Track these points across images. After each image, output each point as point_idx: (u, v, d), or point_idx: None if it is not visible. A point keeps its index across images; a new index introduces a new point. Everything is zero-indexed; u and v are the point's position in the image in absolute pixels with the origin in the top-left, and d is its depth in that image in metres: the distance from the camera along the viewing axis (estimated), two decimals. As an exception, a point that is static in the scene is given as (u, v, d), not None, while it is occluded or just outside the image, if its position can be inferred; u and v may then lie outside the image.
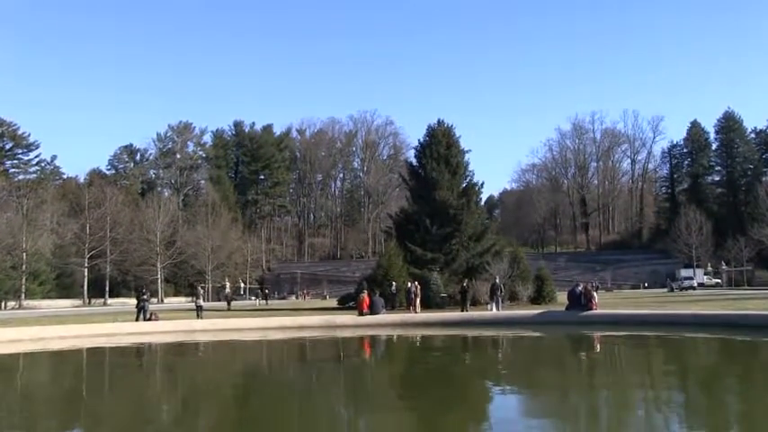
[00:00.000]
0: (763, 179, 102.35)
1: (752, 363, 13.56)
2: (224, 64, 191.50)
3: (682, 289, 67.92)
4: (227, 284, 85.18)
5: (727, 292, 56.92)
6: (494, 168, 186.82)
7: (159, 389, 12.08)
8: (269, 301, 67.08)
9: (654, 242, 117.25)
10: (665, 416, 8.04)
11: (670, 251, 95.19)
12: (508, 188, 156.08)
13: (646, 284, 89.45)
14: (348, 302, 40.85)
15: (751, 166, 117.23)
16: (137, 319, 27.82)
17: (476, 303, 34.23)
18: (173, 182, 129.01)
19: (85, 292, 79.52)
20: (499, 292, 31.24)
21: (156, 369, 15.72)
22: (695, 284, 70.56)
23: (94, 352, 18.82)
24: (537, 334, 21.45)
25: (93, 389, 12.13)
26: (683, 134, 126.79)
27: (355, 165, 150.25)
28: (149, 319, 27.31)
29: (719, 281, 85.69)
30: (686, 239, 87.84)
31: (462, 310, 30.12)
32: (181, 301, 77.31)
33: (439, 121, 47.84)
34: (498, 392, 10.41)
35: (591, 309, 23.11)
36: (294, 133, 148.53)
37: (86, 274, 79.94)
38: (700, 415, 8.18)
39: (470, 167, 48.22)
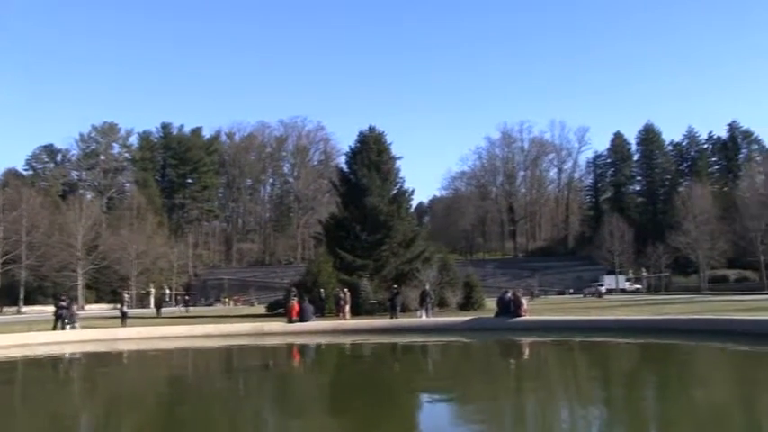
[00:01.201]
0: (680, 189, 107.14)
1: (668, 365, 14.08)
2: (152, 65, 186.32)
3: (590, 295, 70.83)
4: (153, 290, 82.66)
5: (646, 298, 59.16)
6: (424, 175, 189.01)
7: (73, 404, 11.38)
8: (190, 308, 64.85)
9: (579, 249, 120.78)
10: (589, 419, 8.16)
11: (594, 258, 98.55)
12: (438, 195, 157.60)
13: (571, 290, 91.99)
14: (277, 309, 40.21)
15: (669, 177, 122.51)
16: (54, 328, 26.51)
17: (405, 310, 34.15)
18: (96, 184, 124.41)
19: (-5, 300, 75.06)
20: (429, 299, 31.28)
21: (72, 382, 14.89)
22: (603, 290, 73.25)
23: (2, 365, 17.66)
24: (467, 340, 21.60)
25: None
26: (607, 145, 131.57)
27: (285, 170, 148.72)
28: (66, 328, 26.05)
29: (640, 286, 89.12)
30: (609, 246, 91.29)
31: (392, 317, 29.97)
32: (103, 308, 74.06)
33: (370, 128, 47.76)
34: (427, 400, 10.34)
35: (520, 315, 23.39)
36: (223, 137, 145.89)
37: (-3, 279, 75.62)
38: (622, 416, 8.39)
39: (401, 174, 48.21)
